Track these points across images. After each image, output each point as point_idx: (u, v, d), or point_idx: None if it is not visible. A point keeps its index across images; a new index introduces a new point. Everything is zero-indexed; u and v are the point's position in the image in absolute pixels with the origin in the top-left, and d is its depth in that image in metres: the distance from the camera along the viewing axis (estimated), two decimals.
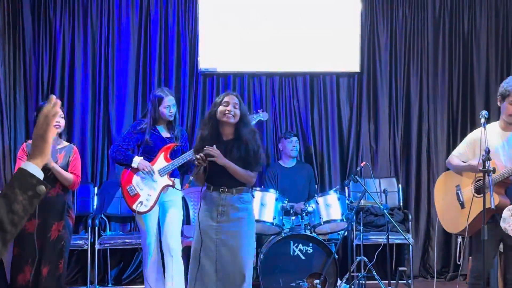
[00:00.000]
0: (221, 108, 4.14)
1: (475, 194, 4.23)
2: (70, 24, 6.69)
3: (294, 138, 6.35)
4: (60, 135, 4.70)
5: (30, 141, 4.60)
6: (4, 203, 1.84)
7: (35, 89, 6.63)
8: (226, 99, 4.17)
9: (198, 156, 4.00)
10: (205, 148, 4.02)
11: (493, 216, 4.08)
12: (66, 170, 4.62)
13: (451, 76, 6.87)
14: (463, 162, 4.40)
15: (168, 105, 5.13)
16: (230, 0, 6.78)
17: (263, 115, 5.37)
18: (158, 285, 5.10)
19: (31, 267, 4.36)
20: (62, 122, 4.55)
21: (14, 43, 6.44)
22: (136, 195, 5.04)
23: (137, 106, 6.72)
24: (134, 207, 5.00)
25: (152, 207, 5.02)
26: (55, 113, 2.00)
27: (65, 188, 4.62)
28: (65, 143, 4.76)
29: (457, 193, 4.39)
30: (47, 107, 1.99)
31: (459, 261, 5.07)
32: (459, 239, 4.86)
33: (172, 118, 5.20)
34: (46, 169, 4.25)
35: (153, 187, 5.05)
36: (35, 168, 1.91)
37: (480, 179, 4.09)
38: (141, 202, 4.99)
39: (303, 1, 6.79)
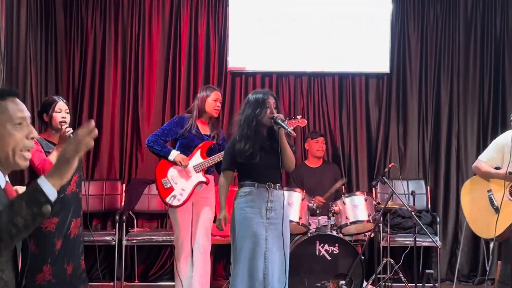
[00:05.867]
0: (269, 113, 4.16)
1: (511, 198, 4.19)
2: (102, 22, 6.77)
3: (320, 139, 6.32)
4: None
5: (40, 136, 4.57)
6: (8, 213, 1.81)
7: (66, 86, 6.73)
8: (269, 100, 4.20)
9: (282, 116, 4.11)
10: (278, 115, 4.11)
11: None
12: (79, 164, 4.61)
13: (482, 78, 6.78)
14: (495, 168, 4.39)
15: (217, 98, 5.18)
16: (260, 0, 6.78)
17: (301, 121, 5.28)
18: (190, 281, 5.10)
19: (51, 267, 4.34)
20: (68, 117, 4.52)
21: (46, 40, 6.51)
22: (170, 189, 5.06)
23: (165, 104, 6.77)
24: (167, 200, 5.03)
25: (185, 202, 5.03)
26: (88, 144, 1.92)
27: (78, 185, 4.61)
28: None
29: (490, 198, 4.34)
30: (83, 132, 1.91)
31: (487, 265, 5.02)
32: (491, 244, 4.80)
33: (216, 115, 5.23)
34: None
35: (187, 182, 5.07)
36: (50, 188, 1.85)
37: None
38: (174, 196, 5.02)
39: (334, 0, 6.76)
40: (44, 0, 6.44)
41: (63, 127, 4.32)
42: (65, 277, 4.37)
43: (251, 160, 4.15)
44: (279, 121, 4.07)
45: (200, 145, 5.13)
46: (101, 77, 6.76)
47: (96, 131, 1.96)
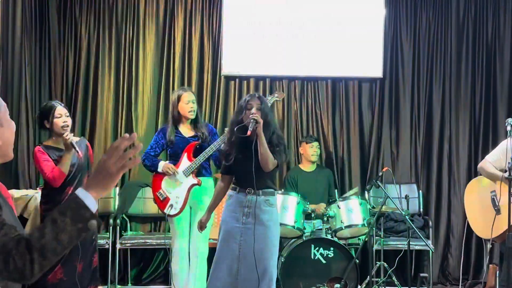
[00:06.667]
0: (247, 114, 4.15)
1: None
2: (96, 26, 6.77)
3: (315, 143, 6.34)
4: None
5: (45, 143, 4.55)
6: (52, 230, 1.75)
7: (59, 90, 6.72)
8: (251, 102, 4.21)
9: (255, 116, 4.04)
10: (253, 115, 4.06)
11: None
12: (87, 165, 4.61)
13: (474, 83, 6.84)
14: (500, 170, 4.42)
15: (188, 100, 5.17)
16: (254, 4, 6.79)
17: (278, 95, 5.43)
18: (185, 286, 5.11)
19: (61, 266, 4.35)
20: (69, 121, 4.50)
21: (40, 43, 6.51)
22: (166, 199, 5.11)
23: (159, 108, 6.77)
24: (165, 211, 5.09)
25: (182, 209, 5.08)
26: (131, 162, 1.81)
27: None
28: (77, 138, 4.65)
29: (493, 199, 4.37)
30: (123, 145, 1.81)
31: (487, 268, 5.08)
32: (489, 245, 4.85)
33: (193, 116, 5.22)
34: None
35: (180, 189, 5.10)
36: (92, 201, 1.78)
37: None
38: (171, 206, 5.06)
39: (327, 5, 6.79)
40: (39, 5, 6.44)
41: (66, 133, 4.33)
42: (76, 274, 4.38)
43: (233, 165, 4.24)
44: (251, 120, 4.05)
45: (185, 149, 5.16)
46: (95, 81, 6.75)
47: (141, 145, 1.83)
